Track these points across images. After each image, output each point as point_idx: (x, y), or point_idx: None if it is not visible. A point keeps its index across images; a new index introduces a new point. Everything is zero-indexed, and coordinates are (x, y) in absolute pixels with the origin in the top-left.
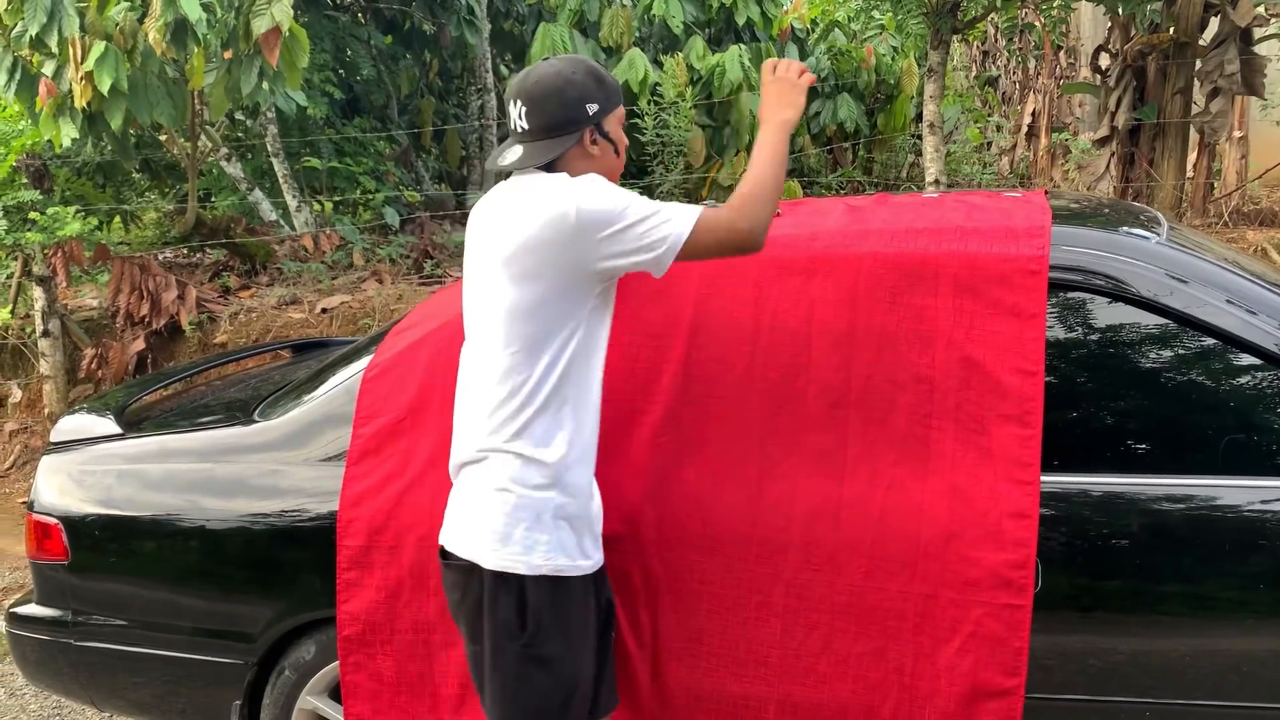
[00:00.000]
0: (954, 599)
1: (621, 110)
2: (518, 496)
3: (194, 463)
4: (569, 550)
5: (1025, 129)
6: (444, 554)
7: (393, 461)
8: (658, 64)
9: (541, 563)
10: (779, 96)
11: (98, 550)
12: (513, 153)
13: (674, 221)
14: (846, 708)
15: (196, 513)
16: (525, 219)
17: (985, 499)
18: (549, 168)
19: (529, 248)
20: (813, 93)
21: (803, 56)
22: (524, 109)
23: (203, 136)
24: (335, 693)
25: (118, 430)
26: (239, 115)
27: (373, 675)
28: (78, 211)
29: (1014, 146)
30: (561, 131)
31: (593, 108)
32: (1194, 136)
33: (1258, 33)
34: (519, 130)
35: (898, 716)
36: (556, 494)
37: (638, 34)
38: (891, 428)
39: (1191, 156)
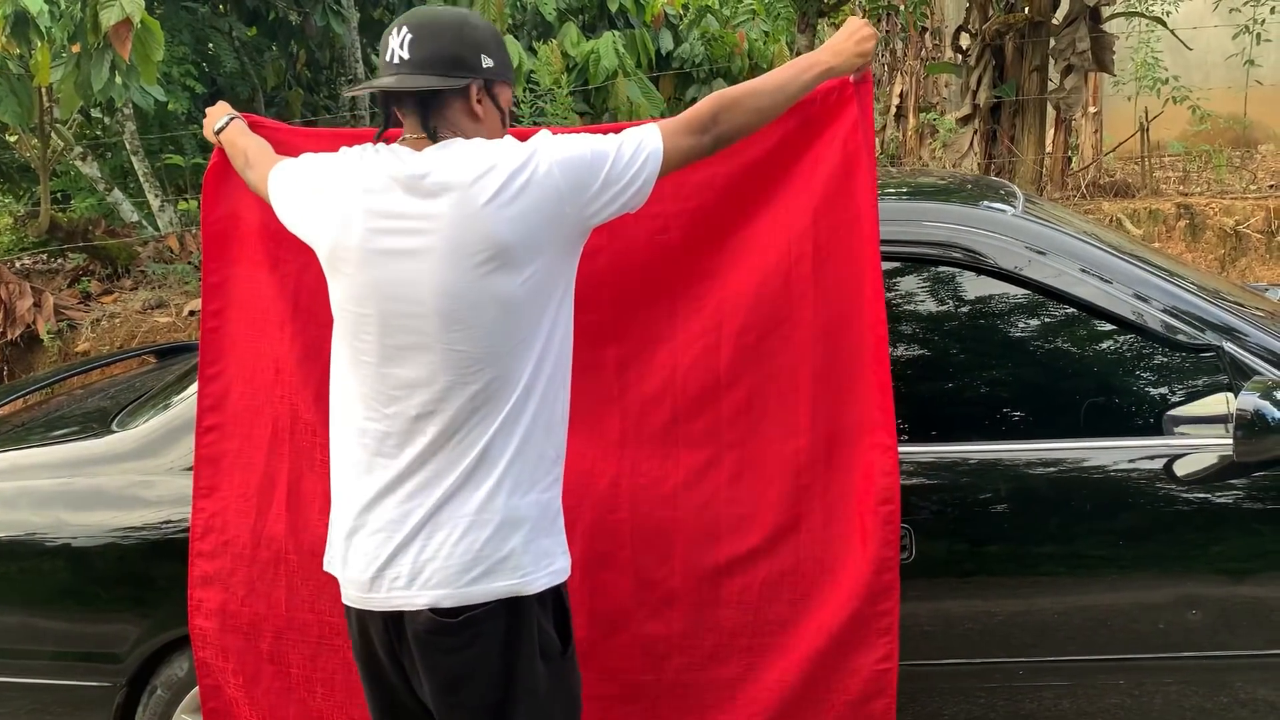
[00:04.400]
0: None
1: (510, 93)
2: (538, 504)
3: (49, 478)
4: (565, 546)
5: (894, 110)
6: (435, 620)
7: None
8: (532, 51)
9: (563, 565)
10: (834, 44)
11: None
12: (385, 80)
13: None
14: (735, 683)
15: (54, 530)
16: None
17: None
18: (429, 116)
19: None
20: (687, 79)
21: (676, 42)
22: (409, 37)
23: (54, 135)
24: None
25: None
26: (95, 112)
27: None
28: None
29: (884, 127)
30: (449, 70)
31: (488, 61)
32: (1051, 113)
33: (1105, 11)
34: (396, 61)
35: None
36: (557, 491)
37: (511, 21)
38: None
39: (1050, 132)
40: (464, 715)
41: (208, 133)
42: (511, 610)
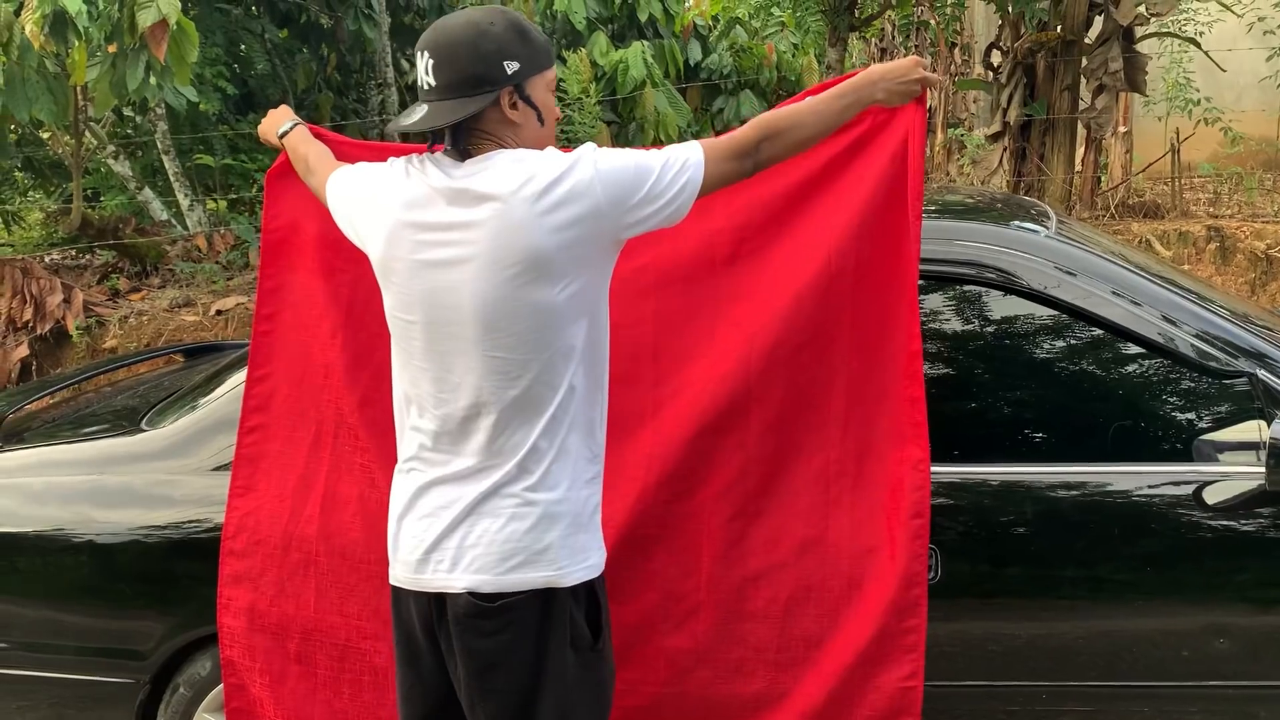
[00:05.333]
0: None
1: (552, 74)
2: (577, 501)
3: (79, 474)
4: (601, 543)
5: None
6: (473, 604)
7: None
8: (561, 60)
9: (597, 561)
10: (887, 81)
11: None
12: (418, 112)
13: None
14: (760, 698)
15: (83, 526)
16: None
17: None
18: (460, 138)
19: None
20: (715, 90)
21: (705, 53)
22: (431, 62)
23: (87, 133)
24: None
25: None
26: (127, 111)
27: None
28: None
29: None
30: (474, 90)
31: (513, 66)
32: (1082, 132)
33: (1139, 31)
34: (425, 88)
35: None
36: (597, 488)
37: (540, 29)
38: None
39: (1080, 151)
40: (494, 700)
41: (270, 135)
42: (545, 600)
